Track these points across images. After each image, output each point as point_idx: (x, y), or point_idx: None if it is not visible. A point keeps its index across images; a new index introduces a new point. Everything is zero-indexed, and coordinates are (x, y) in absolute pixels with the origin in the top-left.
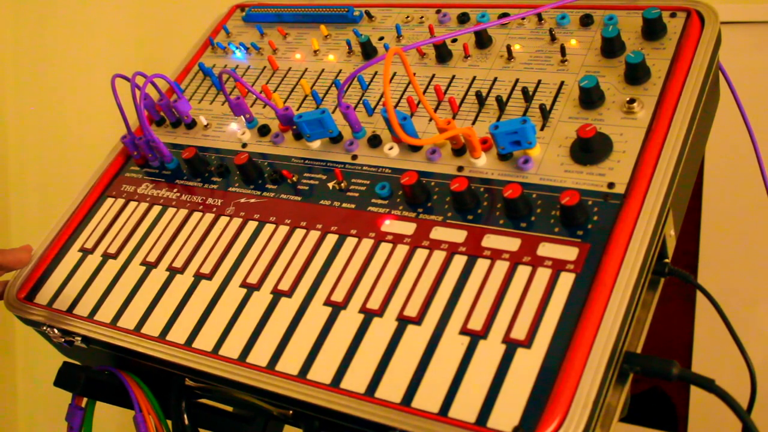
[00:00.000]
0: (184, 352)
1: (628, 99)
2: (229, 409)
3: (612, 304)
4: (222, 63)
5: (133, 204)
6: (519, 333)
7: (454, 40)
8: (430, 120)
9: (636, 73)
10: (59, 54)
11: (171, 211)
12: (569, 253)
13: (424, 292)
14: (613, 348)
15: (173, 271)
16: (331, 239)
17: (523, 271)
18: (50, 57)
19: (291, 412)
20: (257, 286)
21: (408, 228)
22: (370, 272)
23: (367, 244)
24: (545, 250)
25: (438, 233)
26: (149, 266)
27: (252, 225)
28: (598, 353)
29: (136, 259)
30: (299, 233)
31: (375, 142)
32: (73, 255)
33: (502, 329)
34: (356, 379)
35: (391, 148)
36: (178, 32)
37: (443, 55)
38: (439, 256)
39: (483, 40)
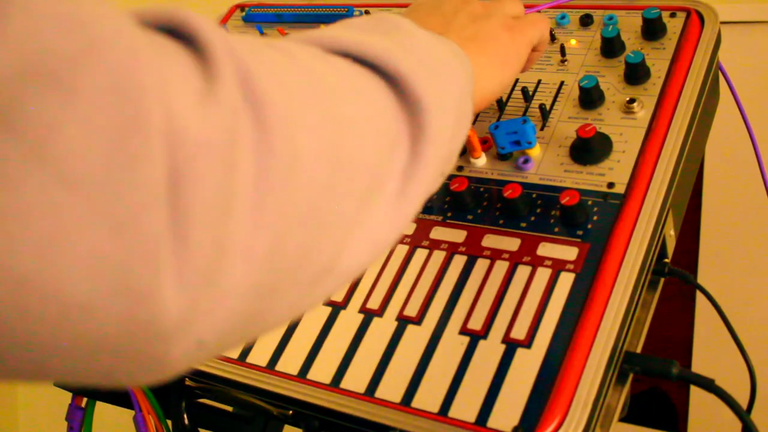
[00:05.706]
0: None
1: (627, 99)
2: (229, 409)
3: (612, 304)
4: None
5: None
6: (519, 333)
7: None
8: None
9: (636, 73)
10: None
11: None
12: (569, 252)
13: (423, 292)
14: (612, 348)
15: None
16: None
17: (522, 271)
18: None
19: (291, 411)
20: None
21: (407, 228)
22: (369, 272)
23: None
24: (545, 249)
25: (438, 233)
26: None
27: None
28: (598, 353)
29: None
30: None
31: None
32: None
33: (502, 329)
34: (356, 378)
35: None
36: None
37: None
38: (438, 255)
39: None
